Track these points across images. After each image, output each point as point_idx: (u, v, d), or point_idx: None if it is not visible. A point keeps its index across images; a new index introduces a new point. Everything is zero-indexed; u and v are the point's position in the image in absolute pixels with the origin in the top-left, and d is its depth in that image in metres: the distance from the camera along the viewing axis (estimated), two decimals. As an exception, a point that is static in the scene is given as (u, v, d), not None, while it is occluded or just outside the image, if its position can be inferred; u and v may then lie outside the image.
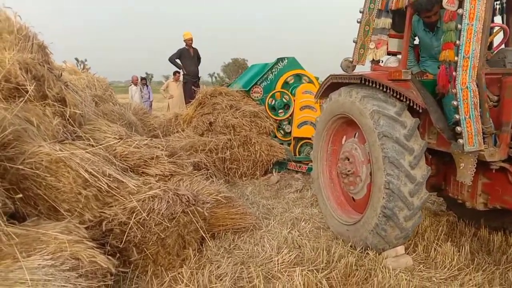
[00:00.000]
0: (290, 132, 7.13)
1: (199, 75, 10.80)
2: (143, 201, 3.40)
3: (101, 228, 3.21)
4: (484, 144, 3.10)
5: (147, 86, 13.67)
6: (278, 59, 7.30)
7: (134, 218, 3.26)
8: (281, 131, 7.20)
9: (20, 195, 2.76)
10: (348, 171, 3.98)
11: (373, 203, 3.59)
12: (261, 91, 7.22)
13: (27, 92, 3.54)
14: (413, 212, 3.47)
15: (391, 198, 3.42)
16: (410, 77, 3.60)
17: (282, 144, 6.95)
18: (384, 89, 3.61)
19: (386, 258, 3.62)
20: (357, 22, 3.97)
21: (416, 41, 4.16)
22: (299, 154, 7.05)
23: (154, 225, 3.30)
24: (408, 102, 3.52)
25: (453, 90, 3.00)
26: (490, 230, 4.25)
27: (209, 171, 4.92)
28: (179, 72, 11.56)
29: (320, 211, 4.81)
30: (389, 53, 4.13)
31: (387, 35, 3.98)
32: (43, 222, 2.91)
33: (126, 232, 3.24)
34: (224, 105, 6.99)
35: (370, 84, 3.68)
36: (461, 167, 3.24)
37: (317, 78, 7.43)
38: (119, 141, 4.12)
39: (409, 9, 3.65)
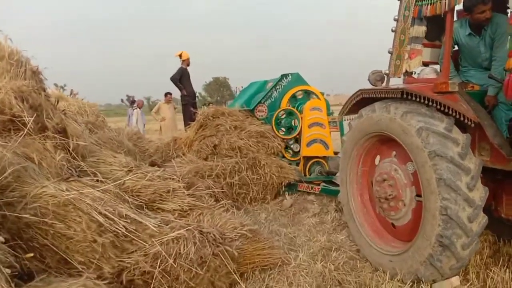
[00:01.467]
0: (299, 152, 6.73)
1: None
2: (166, 245, 2.93)
3: (121, 280, 2.72)
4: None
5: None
6: (282, 75, 6.95)
7: (159, 265, 2.79)
8: (289, 151, 6.80)
9: (31, 254, 2.26)
10: (389, 195, 3.58)
11: (425, 231, 3.19)
12: (265, 109, 6.83)
13: (24, 124, 3.07)
14: (471, 239, 3.09)
15: (449, 226, 3.04)
16: (458, 88, 3.26)
17: (290, 164, 6.54)
18: (430, 103, 3.25)
19: (440, 291, 3.22)
20: (392, 31, 3.64)
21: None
22: (310, 174, 6.65)
23: (182, 273, 2.82)
24: (458, 116, 3.17)
25: (522, 102, 2.65)
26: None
27: (228, 201, 4.45)
28: (170, 94, 11.15)
29: (349, 239, 4.40)
30: (423, 64, 3.80)
31: (421, 44, 3.65)
32: (54, 279, 2.40)
33: (150, 283, 2.76)
34: (228, 126, 6.56)
35: (414, 98, 3.32)
36: (527, 187, 2.88)
37: (322, 94, 7.10)
38: (128, 174, 3.65)
39: (449, 14, 3.33)
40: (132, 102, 13.57)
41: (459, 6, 3.54)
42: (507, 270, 3.42)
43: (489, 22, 3.41)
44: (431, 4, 3.38)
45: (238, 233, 3.60)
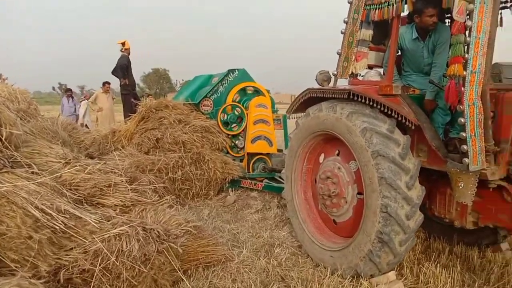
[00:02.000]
0: (243, 148, 6.72)
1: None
2: (108, 241, 2.79)
3: (58, 278, 2.55)
4: (486, 162, 2.97)
5: (72, 98, 12.44)
6: (228, 70, 6.89)
7: (100, 263, 2.65)
8: (234, 147, 6.77)
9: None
10: (332, 192, 3.68)
11: (366, 228, 3.31)
12: (211, 104, 6.75)
13: None
14: (408, 236, 3.25)
15: (388, 223, 3.17)
16: (400, 92, 3.41)
17: (234, 160, 6.51)
18: (374, 105, 3.38)
19: (377, 285, 3.36)
20: (341, 33, 3.72)
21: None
22: (253, 171, 6.67)
23: (125, 271, 2.70)
24: (399, 118, 3.31)
25: (460, 107, 2.83)
26: (465, 246, 4.21)
27: (172, 196, 4.33)
28: (109, 83, 10.65)
29: (292, 235, 4.47)
30: (368, 67, 3.93)
31: (367, 47, 3.77)
32: (-19, 280, 2.20)
33: (90, 281, 2.62)
34: (172, 120, 6.39)
35: (359, 99, 3.42)
36: (460, 187, 3.08)
37: (268, 91, 7.14)
38: (66, 166, 3.44)
39: (395, 20, 3.47)
40: (67, 90, 12.78)
41: (405, 13, 3.72)
42: (438, 265, 3.64)
43: (435, 27, 3.59)
44: (379, 9, 3.49)
45: (183, 229, 3.52)
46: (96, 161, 3.92)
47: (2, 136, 2.98)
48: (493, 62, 3.08)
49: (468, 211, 3.42)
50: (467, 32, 2.77)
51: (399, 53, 3.95)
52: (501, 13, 3.79)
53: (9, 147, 3.13)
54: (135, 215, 3.35)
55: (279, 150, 7.13)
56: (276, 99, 8.06)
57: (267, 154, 6.73)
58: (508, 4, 3.77)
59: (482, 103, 2.84)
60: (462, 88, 2.79)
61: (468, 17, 2.74)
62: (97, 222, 2.92)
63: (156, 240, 3.02)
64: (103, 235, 2.82)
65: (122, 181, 3.50)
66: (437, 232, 4.43)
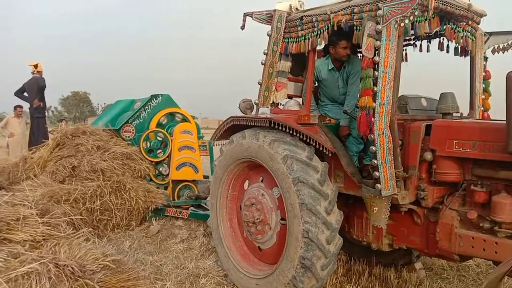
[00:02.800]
0: (167, 175, 6.57)
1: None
2: (15, 281, 2.54)
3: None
4: (396, 187, 3.18)
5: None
6: (152, 96, 6.77)
7: (4, 308, 2.40)
8: (158, 174, 6.59)
9: None
10: (257, 219, 3.71)
11: (289, 254, 3.37)
12: (133, 130, 6.55)
13: None
14: (329, 260, 3.36)
15: (310, 248, 3.26)
16: (317, 121, 3.58)
17: (158, 188, 6.34)
18: (294, 133, 3.50)
19: (301, 311, 3.41)
20: (261, 63, 3.84)
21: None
22: (178, 198, 6.52)
23: (33, 314, 2.47)
24: (317, 146, 3.46)
25: (371, 136, 3.02)
26: (383, 267, 4.43)
27: (88, 229, 4.06)
28: (21, 107, 9.93)
29: (217, 264, 4.40)
30: (288, 96, 4.09)
31: (287, 78, 3.93)
32: None
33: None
34: (89, 146, 6.07)
35: (280, 128, 3.53)
36: (374, 211, 3.26)
37: (193, 117, 7.11)
38: (-34, 200, 3.11)
39: (311, 53, 3.67)
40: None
41: (320, 47, 3.95)
42: (358, 287, 3.79)
43: (348, 59, 3.86)
44: (296, 42, 3.68)
45: (100, 264, 3.30)
46: (3, 192, 3.59)
47: None
48: (399, 94, 3.35)
49: (383, 234, 3.63)
50: (375, 67, 2.99)
51: (316, 84, 4.17)
52: (405, 49, 4.19)
53: None
54: (46, 251, 3.09)
55: (205, 177, 7.07)
56: (204, 124, 8.05)
57: (193, 181, 6.64)
58: (411, 42, 4.17)
59: (391, 132, 3.06)
60: (372, 119, 2.99)
61: (376, 52, 2.97)
62: (3, 260, 2.65)
63: (70, 277, 2.81)
64: (9, 275, 2.56)
65: (33, 214, 3.23)
66: (357, 254, 4.62)
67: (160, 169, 6.57)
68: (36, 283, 2.57)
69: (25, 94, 9.07)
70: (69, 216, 3.85)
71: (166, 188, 6.50)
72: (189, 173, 6.47)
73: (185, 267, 4.45)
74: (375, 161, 3.06)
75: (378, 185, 3.09)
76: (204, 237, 5.45)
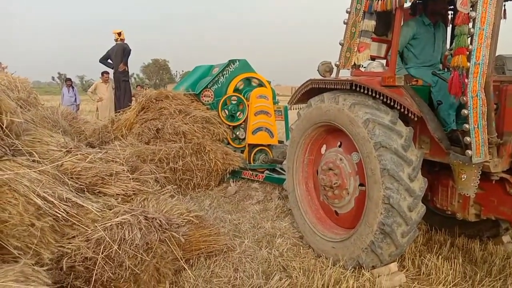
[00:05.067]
0: (244, 139, 6.71)
1: None
2: (110, 230, 2.79)
3: (61, 266, 2.55)
4: (488, 154, 2.96)
5: (73, 88, 12.38)
6: (229, 61, 6.85)
7: (102, 251, 2.64)
8: (235, 138, 6.75)
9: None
10: (334, 183, 3.67)
11: (368, 219, 3.31)
12: (212, 95, 6.72)
13: None
14: (410, 227, 3.25)
15: (390, 214, 3.17)
16: (403, 83, 3.39)
17: (235, 151, 6.50)
18: (377, 96, 3.36)
19: (379, 276, 3.37)
20: (344, 23, 3.69)
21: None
22: (254, 162, 6.66)
23: (127, 259, 2.70)
24: (402, 109, 3.30)
25: (464, 98, 2.81)
26: (467, 238, 4.22)
27: (173, 186, 4.31)
28: (107, 73, 10.57)
29: (293, 225, 4.47)
30: (370, 58, 3.91)
31: (370, 38, 3.74)
32: (-15, 267, 2.19)
33: (93, 269, 2.62)
34: (172, 110, 6.37)
35: (362, 90, 3.40)
36: (462, 179, 3.08)
37: (269, 82, 7.11)
38: (67, 155, 3.42)
39: (398, 11, 3.44)
40: (67, 80, 12.69)
41: (407, 4, 3.68)
42: (439, 257, 3.65)
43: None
44: (381, -1, 3.47)
45: (185, 219, 3.52)
46: (97, 150, 3.90)
47: (3, 124, 2.95)
48: (496, 54, 3.06)
49: (470, 203, 3.42)
50: (470, 24, 2.74)
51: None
52: (504, 5, 3.78)
53: (10, 135, 3.10)
54: (137, 204, 3.34)
55: (280, 142, 7.12)
56: (276, 91, 8.02)
57: (268, 146, 6.73)
58: None
59: (486, 95, 2.83)
60: (466, 80, 2.77)
61: (472, 8, 2.72)
62: (99, 210, 2.92)
63: (158, 229, 3.02)
64: (105, 224, 2.81)
65: (124, 170, 3.48)
66: (439, 224, 4.44)
67: (237, 133, 6.71)
68: (129, 232, 2.79)
69: (109, 60, 9.65)
70: (155, 174, 4.07)
71: (242, 152, 6.65)
72: (265, 138, 6.55)
73: (262, 226, 4.58)
74: (467, 126, 2.85)
75: (469, 151, 2.89)
76: (279, 199, 5.54)
